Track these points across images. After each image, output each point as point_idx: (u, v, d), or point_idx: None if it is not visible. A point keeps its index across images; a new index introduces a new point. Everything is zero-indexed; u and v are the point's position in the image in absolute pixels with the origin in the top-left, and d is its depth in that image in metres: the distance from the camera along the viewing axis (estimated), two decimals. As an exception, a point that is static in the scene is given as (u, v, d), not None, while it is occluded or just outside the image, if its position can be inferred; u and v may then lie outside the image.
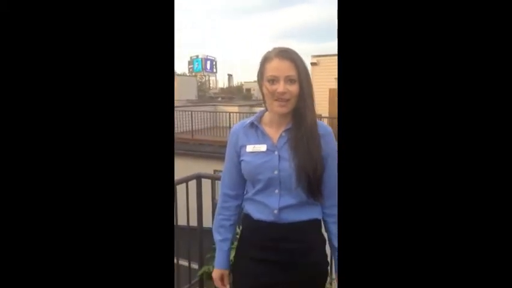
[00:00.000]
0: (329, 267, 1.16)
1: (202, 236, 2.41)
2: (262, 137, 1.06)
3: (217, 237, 1.16)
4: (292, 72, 0.98)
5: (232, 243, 1.19)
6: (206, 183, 2.40)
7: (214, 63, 29.63)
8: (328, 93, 9.74)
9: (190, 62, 28.51)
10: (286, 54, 1.00)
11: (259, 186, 1.05)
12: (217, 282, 1.16)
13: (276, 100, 0.99)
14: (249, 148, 1.06)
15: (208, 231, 2.32)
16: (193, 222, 2.33)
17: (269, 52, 1.03)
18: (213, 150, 9.16)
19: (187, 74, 26.47)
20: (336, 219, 1.09)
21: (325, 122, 9.11)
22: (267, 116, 1.09)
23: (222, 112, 11.44)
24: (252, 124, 1.08)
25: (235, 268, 1.15)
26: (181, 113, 10.59)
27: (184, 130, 10.37)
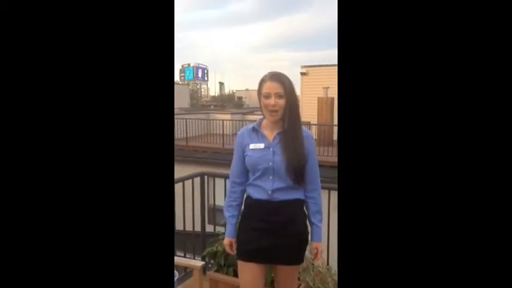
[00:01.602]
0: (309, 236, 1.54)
1: (205, 227, 2.77)
2: (261, 138, 1.45)
3: (227, 214, 1.53)
4: (280, 90, 1.38)
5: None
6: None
7: (205, 71, 29.98)
8: (316, 101, 10.18)
9: (182, 71, 28.79)
10: (276, 77, 1.40)
11: (258, 174, 1.43)
12: (227, 248, 1.53)
13: (269, 110, 1.39)
14: (252, 146, 1.45)
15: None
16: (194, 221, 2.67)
17: (265, 76, 1.43)
18: (207, 156, 9.44)
19: (180, 83, 26.75)
20: (314, 200, 1.48)
21: (313, 129, 9.39)
22: (264, 122, 1.48)
23: (215, 120, 11.79)
24: (253, 128, 1.48)
25: (238, 237, 1.51)
26: (176, 120, 10.88)
27: (180, 137, 10.67)
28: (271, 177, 1.41)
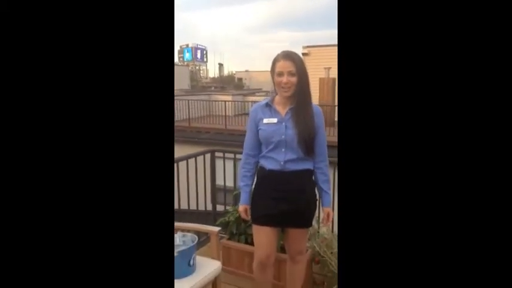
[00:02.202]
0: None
1: (215, 200, 2.93)
2: (274, 113, 1.58)
3: (241, 183, 1.67)
4: (292, 68, 1.49)
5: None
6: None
7: (204, 52, 29.65)
8: (318, 82, 10.21)
9: (181, 51, 28.44)
10: (289, 56, 1.51)
11: (271, 146, 1.56)
12: (242, 214, 1.69)
13: (282, 87, 1.51)
14: (265, 120, 1.57)
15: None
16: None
17: (278, 55, 1.54)
18: (210, 137, 9.57)
19: (179, 64, 26.53)
20: (322, 170, 1.61)
21: (315, 109, 9.44)
22: (277, 98, 1.60)
23: (217, 101, 11.86)
24: (267, 104, 1.61)
25: (253, 205, 1.66)
26: (178, 102, 10.95)
27: (182, 118, 10.77)
28: (283, 150, 1.54)
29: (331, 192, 1.66)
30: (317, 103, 9.54)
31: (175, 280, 1.38)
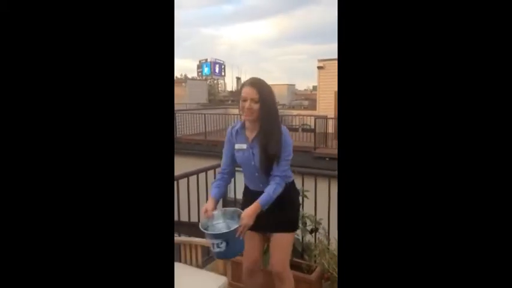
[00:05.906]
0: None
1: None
2: (244, 138, 1.64)
3: (212, 192, 1.69)
4: (255, 96, 1.53)
5: None
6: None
7: (222, 66, 30.14)
8: (334, 95, 10.17)
9: (199, 66, 29.05)
10: (253, 84, 1.55)
11: (246, 171, 1.67)
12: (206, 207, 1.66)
13: (244, 112, 1.56)
14: (237, 146, 1.66)
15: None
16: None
17: (246, 81, 1.60)
18: (226, 151, 9.61)
19: (198, 78, 27.07)
20: (275, 181, 1.57)
21: (331, 122, 9.39)
22: (246, 123, 1.65)
23: (233, 114, 11.97)
24: (238, 129, 1.67)
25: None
26: (195, 115, 11.14)
27: (198, 132, 10.92)
28: (257, 174, 1.64)
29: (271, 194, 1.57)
30: (332, 116, 9.37)
31: None
